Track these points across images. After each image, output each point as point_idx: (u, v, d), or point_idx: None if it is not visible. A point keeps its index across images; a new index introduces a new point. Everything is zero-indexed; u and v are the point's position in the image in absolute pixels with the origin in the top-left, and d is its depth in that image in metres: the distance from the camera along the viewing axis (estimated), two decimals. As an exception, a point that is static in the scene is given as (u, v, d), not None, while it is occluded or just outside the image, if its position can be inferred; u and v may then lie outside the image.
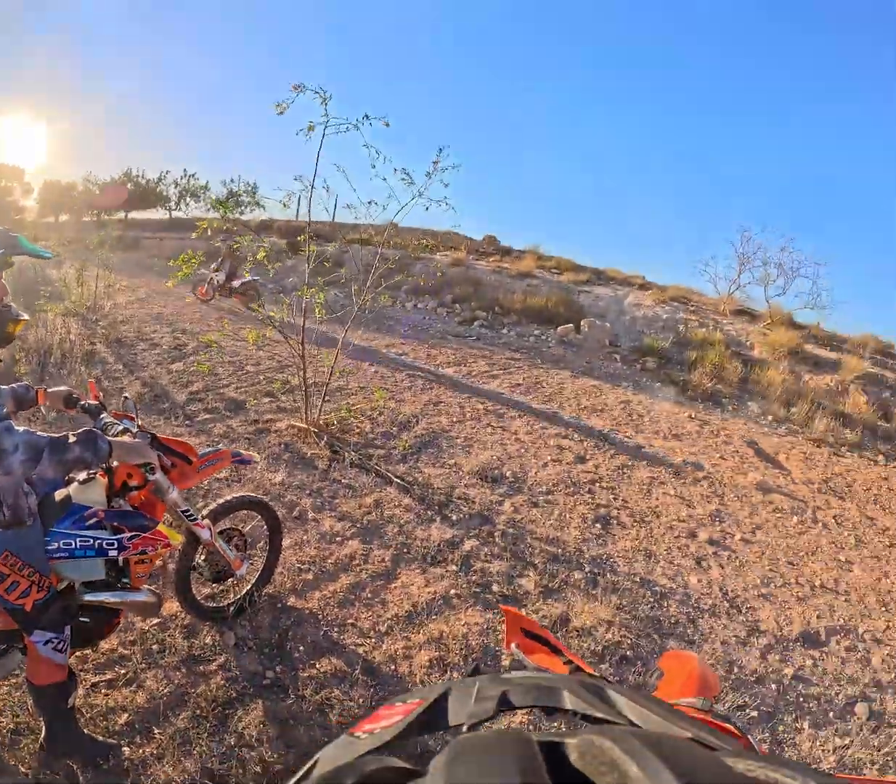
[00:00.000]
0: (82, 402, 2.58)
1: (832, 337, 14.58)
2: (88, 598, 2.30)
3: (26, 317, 2.14)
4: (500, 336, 12.28)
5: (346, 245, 9.41)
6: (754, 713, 3.16)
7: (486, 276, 15.27)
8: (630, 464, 6.31)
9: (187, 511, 2.63)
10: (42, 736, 2.30)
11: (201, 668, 2.84)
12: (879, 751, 3.09)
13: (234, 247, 12.00)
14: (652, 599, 3.98)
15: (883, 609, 4.59)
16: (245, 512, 3.32)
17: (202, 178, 32.71)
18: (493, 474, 5.37)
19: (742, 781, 0.32)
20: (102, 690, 2.68)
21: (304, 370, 5.60)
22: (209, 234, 5.16)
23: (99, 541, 2.25)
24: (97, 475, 2.36)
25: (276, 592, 3.46)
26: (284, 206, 5.51)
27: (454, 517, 4.54)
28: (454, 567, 3.93)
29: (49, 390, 2.57)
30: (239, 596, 3.24)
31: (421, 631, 3.30)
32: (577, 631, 3.46)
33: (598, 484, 5.63)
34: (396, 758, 0.40)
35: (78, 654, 2.73)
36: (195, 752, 2.39)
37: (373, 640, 3.20)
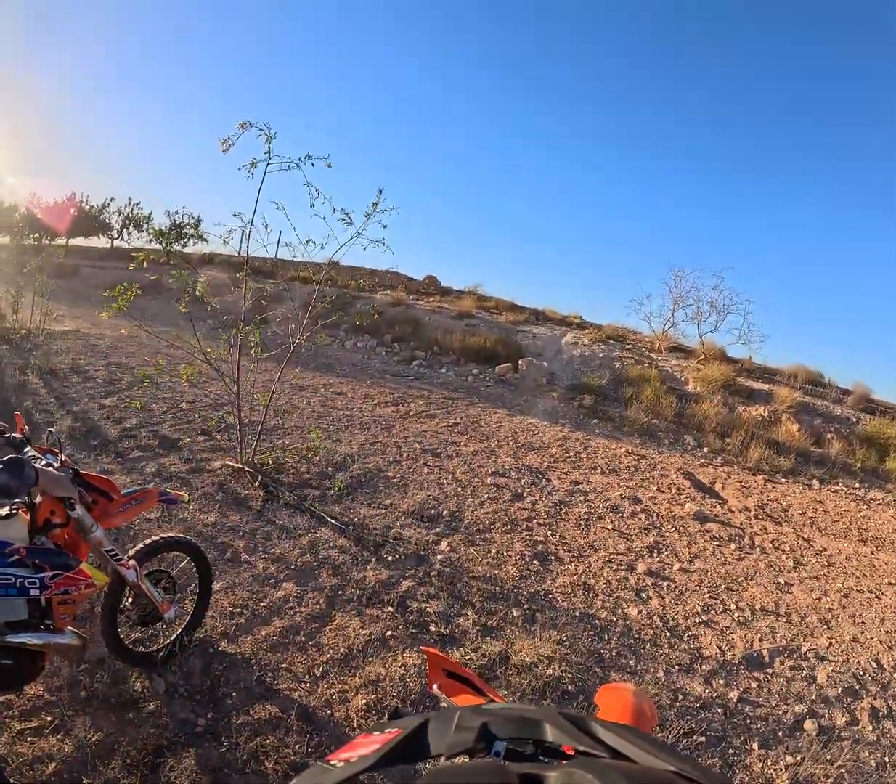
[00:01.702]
0: (7, 435, 2.52)
1: (764, 369, 15.31)
2: (10, 639, 2.20)
3: None
4: (439, 375, 12.41)
5: (285, 283, 9.37)
6: (702, 738, 3.18)
7: (426, 315, 15.45)
8: (568, 500, 6.39)
9: (112, 551, 2.58)
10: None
11: (131, 715, 2.74)
12: (832, 764, 3.16)
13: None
14: (592, 633, 4.00)
15: (825, 627, 4.75)
16: (174, 553, 3.25)
17: (147, 208, 32.45)
18: (429, 514, 5.36)
19: None
20: (28, 738, 2.57)
21: (240, 409, 5.55)
22: (145, 266, 5.11)
23: (20, 579, 2.15)
24: (19, 511, 2.29)
25: (208, 637, 3.37)
26: (224, 241, 5.52)
27: (390, 558, 4.50)
28: (390, 608, 3.88)
29: None
30: (168, 640, 3.14)
31: (357, 674, 3.24)
32: (517, 668, 3.44)
33: (535, 521, 5.67)
34: None
35: (2, 699, 2.63)
36: None
37: (308, 684, 3.13)
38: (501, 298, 18.30)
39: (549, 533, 5.48)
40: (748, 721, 3.44)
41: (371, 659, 3.38)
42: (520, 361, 12.86)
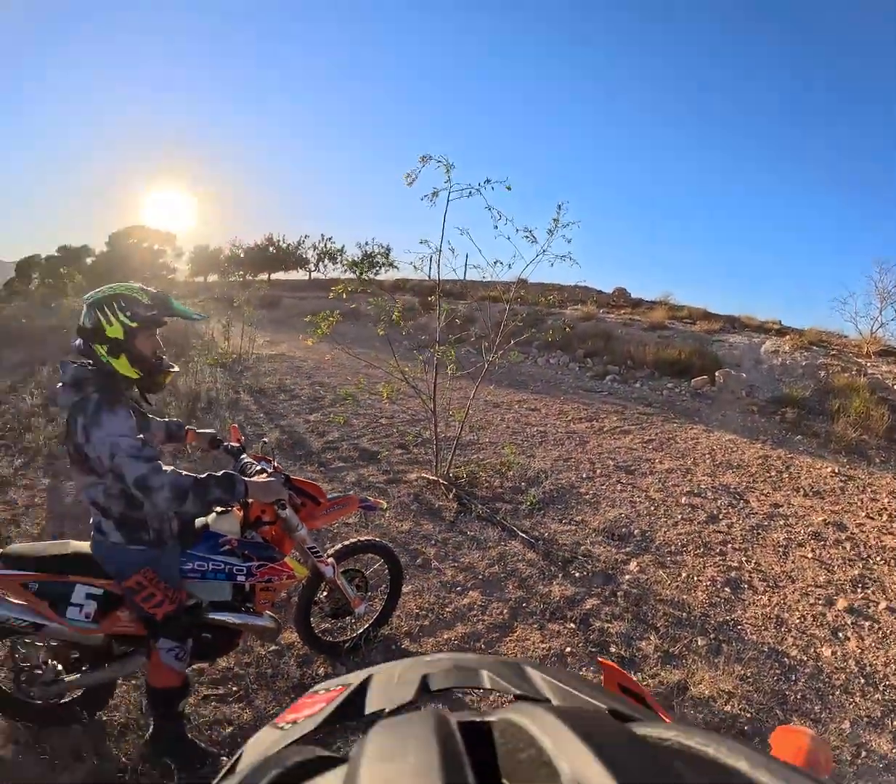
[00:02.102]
0: (225, 444, 2.93)
1: None
2: (213, 616, 2.60)
3: (176, 368, 2.45)
4: (633, 390, 12.12)
5: (476, 303, 9.65)
6: None
7: (617, 328, 15.17)
8: (766, 524, 6.00)
9: (313, 548, 2.85)
10: (148, 733, 2.52)
11: None
12: None
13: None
14: (779, 671, 3.70)
15: None
16: (369, 555, 3.51)
17: (338, 242, 35.10)
18: (620, 532, 5.28)
19: (654, 747, 0.33)
20: (212, 703, 2.90)
21: (436, 424, 5.81)
22: (345, 296, 5.49)
23: (230, 566, 2.55)
24: (234, 508, 2.68)
25: (392, 634, 3.57)
26: (416, 268, 5.82)
27: (577, 574, 4.48)
28: (572, 625, 3.86)
29: (197, 431, 2.92)
30: (355, 634, 3.40)
31: None
32: (694, 700, 3.30)
33: (730, 545, 5.38)
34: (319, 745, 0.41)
35: (196, 666, 2.94)
36: None
37: (480, 691, 3.21)
38: (694, 307, 17.56)
39: (743, 559, 5.16)
40: None
41: None
42: (716, 373, 12.27)
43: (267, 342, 13.61)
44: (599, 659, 1.55)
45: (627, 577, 4.56)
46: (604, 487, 6.29)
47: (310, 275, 33.98)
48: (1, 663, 2.68)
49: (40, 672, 2.52)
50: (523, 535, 4.92)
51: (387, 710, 0.43)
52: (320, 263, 34.26)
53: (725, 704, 3.30)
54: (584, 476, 6.60)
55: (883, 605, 4.69)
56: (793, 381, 12.25)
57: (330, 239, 35.20)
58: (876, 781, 2.98)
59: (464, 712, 0.37)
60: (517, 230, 5.52)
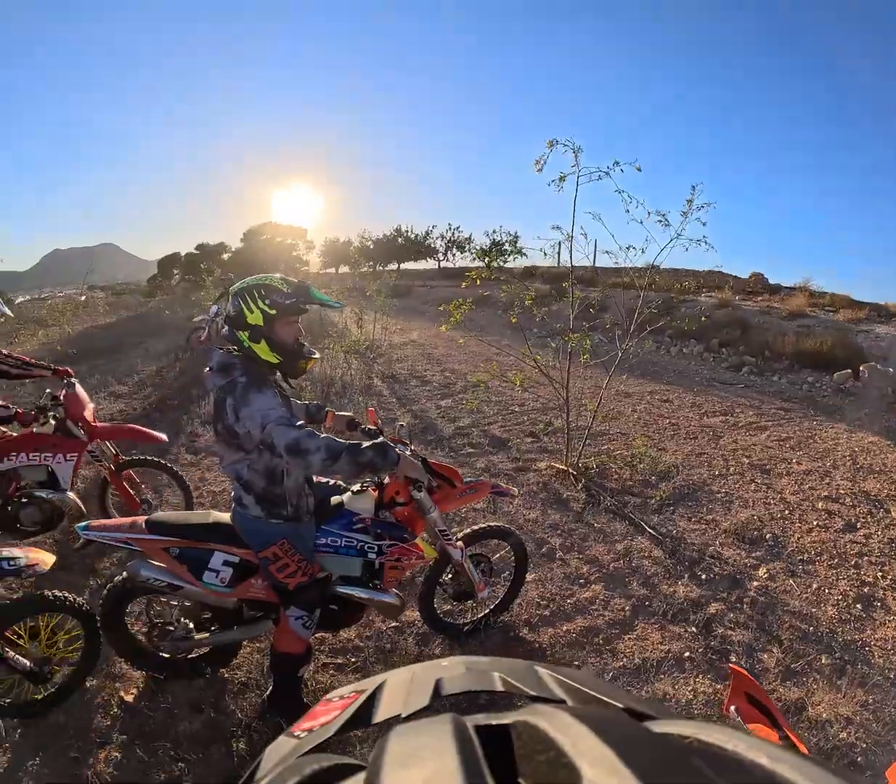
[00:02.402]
0: (363, 427, 3.10)
1: None
2: (342, 590, 2.78)
3: (317, 355, 2.61)
4: (771, 383, 11.61)
5: (608, 290, 9.48)
6: None
7: (754, 317, 14.51)
8: (908, 537, 5.68)
9: (444, 531, 2.98)
10: (266, 693, 2.78)
11: None
12: None
13: (231, 276, 11.60)
14: None
15: None
16: (496, 541, 3.66)
17: (465, 231, 35.41)
18: (751, 535, 5.14)
19: (674, 745, 0.33)
20: (331, 671, 3.10)
21: (568, 413, 5.85)
22: (478, 283, 5.57)
23: (362, 543, 2.72)
24: (369, 489, 2.88)
25: (511, 622, 3.66)
26: (545, 255, 5.81)
27: (703, 576, 4.42)
28: (694, 629, 3.81)
29: (337, 413, 3.12)
30: (476, 617, 3.52)
31: (644, 687, 3.26)
32: (810, 722, 3.17)
33: (866, 557, 5.09)
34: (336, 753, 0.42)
35: (319, 635, 3.19)
36: None
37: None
38: (836, 294, 16.53)
39: (880, 574, 4.86)
40: None
41: (663, 676, 3.36)
42: (861, 367, 11.52)
43: (398, 330, 13.96)
44: (731, 665, 1.54)
45: (755, 583, 4.45)
46: (737, 486, 6.14)
47: (439, 264, 34.61)
48: (137, 618, 3.02)
49: (173, 628, 2.78)
50: (651, 531, 4.91)
51: (403, 715, 0.43)
52: (448, 252, 34.81)
53: (842, 731, 3.15)
54: (716, 473, 6.46)
55: None
56: (947, 378, 11.37)
57: (457, 228, 35.99)
58: None
59: (480, 715, 0.38)
60: (649, 214, 5.40)
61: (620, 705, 0.41)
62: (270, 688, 2.77)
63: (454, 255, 34.25)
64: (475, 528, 3.41)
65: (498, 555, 3.71)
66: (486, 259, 6.03)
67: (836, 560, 4.97)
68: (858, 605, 4.39)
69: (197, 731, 2.71)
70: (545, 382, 6.21)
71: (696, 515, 5.39)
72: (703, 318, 10.26)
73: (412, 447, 2.91)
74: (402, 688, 0.47)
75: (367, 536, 2.73)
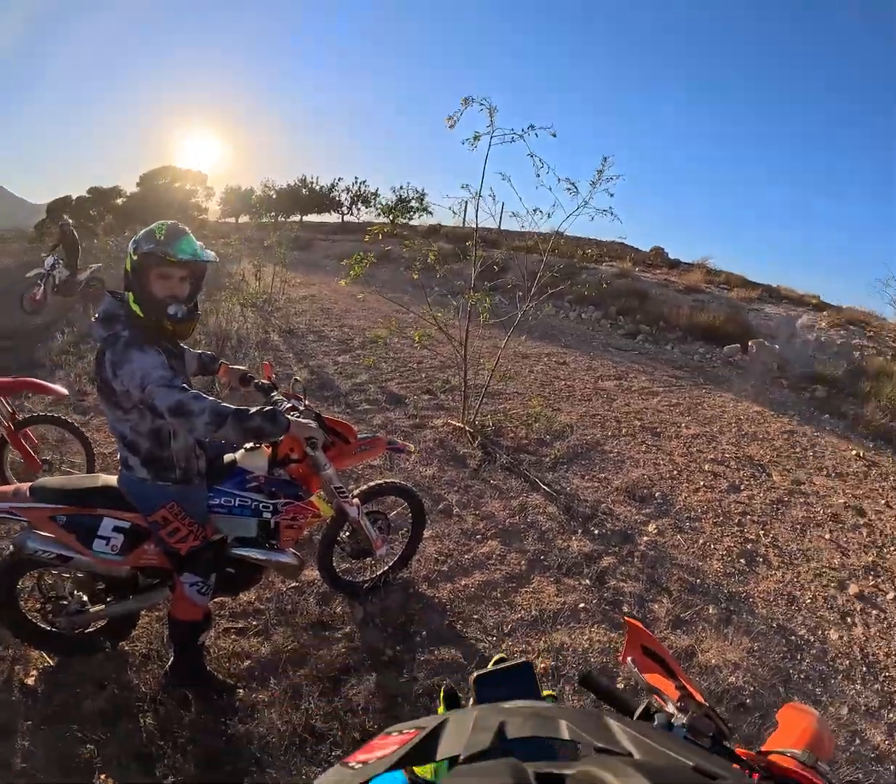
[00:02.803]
0: (256, 381, 2.94)
1: None
2: (238, 552, 2.65)
3: (182, 317, 2.28)
4: (664, 352, 11.94)
5: (511, 252, 9.43)
6: None
7: (652, 288, 14.91)
8: (786, 499, 5.94)
9: (340, 488, 2.86)
10: (168, 664, 2.59)
11: (327, 634, 3.08)
12: None
13: (68, 223, 10.39)
14: (785, 649, 3.72)
15: None
16: (393, 498, 3.57)
17: (372, 185, 34.47)
18: (641, 493, 5.26)
19: None
20: (232, 636, 2.97)
21: (465, 371, 5.78)
22: (380, 238, 5.41)
23: (256, 503, 2.60)
24: (262, 446, 2.71)
25: (411, 578, 3.63)
26: (454, 213, 5.70)
27: (596, 531, 4.50)
28: (588, 581, 3.90)
29: (230, 366, 2.93)
30: (375, 574, 3.46)
31: (543, 638, 3.31)
32: (700, 668, 3.32)
33: (748, 517, 5.35)
34: None
35: (219, 599, 3.03)
36: (303, 707, 2.57)
37: (494, 638, 3.27)
38: (732, 273, 17.19)
39: (761, 532, 5.14)
40: None
41: (559, 627, 3.43)
42: (750, 343, 12.04)
43: (298, 284, 13.51)
44: (626, 617, 1.56)
45: (646, 538, 4.57)
46: (628, 447, 6.26)
47: (342, 218, 33.63)
48: (28, 594, 2.74)
49: (66, 603, 2.59)
50: (545, 488, 4.92)
51: (462, 756, 0.42)
52: (353, 207, 33.85)
53: (730, 675, 3.32)
54: (609, 434, 6.57)
55: (891, 595, 4.65)
56: (826, 358, 12.02)
57: (364, 182, 34.77)
58: (866, 770, 2.98)
59: (541, 763, 0.37)
60: (559, 180, 5.37)
61: (690, 763, 0.41)
62: (171, 658, 2.60)
63: (359, 209, 33.46)
64: (371, 485, 3.33)
65: (395, 512, 3.65)
66: (391, 215, 5.88)
67: (721, 518, 5.17)
68: (742, 560, 4.60)
69: (102, 708, 2.50)
70: (444, 340, 6.11)
71: (589, 474, 5.46)
72: (603, 286, 10.42)
73: (307, 402, 2.80)
74: (463, 728, 0.47)
75: (262, 495, 2.61)
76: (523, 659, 0.83)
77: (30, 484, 2.43)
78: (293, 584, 3.35)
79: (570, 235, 9.32)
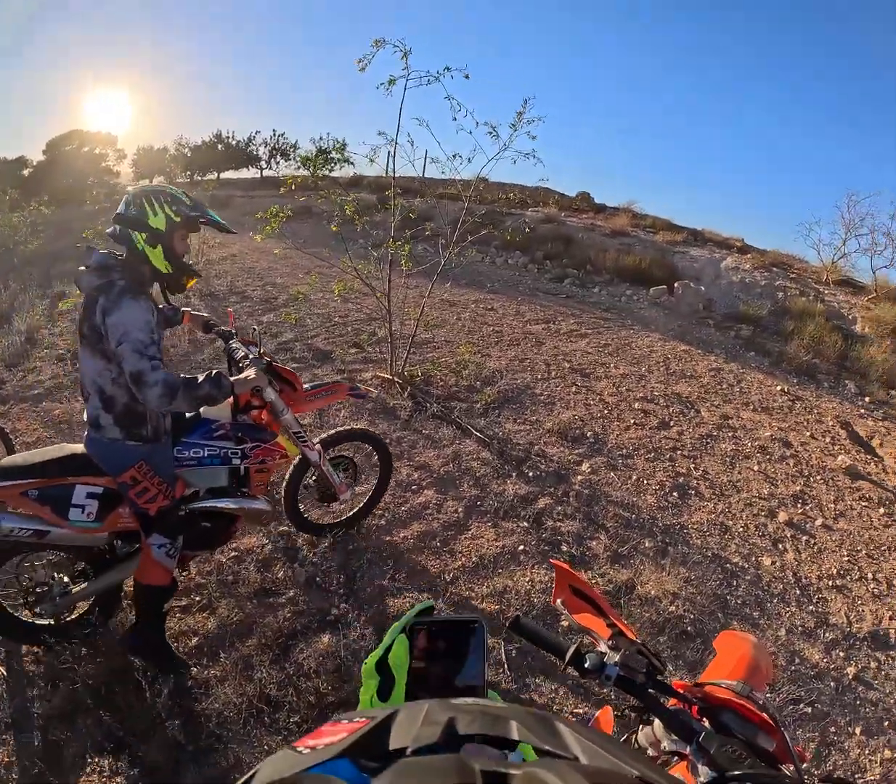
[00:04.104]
0: (217, 328, 3.00)
1: (946, 316, 13.62)
2: (211, 503, 2.67)
3: (200, 275, 2.56)
4: (591, 295, 11.98)
5: (434, 200, 9.27)
6: (808, 709, 3.01)
7: (579, 233, 14.93)
8: (715, 434, 6.10)
9: (299, 433, 2.93)
10: (127, 628, 2.61)
11: (271, 600, 3.03)
12: None
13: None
14: (721, 577, 3.86)
15: None
16: (359, 444, 3.63)
17: (291, 137, 33.22)
18: (573, 434, 5.30)
19: None
20: (177, 615, 2.89)
21: (391, 322, 5.68)
22: (294, 188, 5.23)
23: (225, 450, 2.66)
24: None
25: (351, 534, 3.58)
26: (371, 161, 5.53)
27: (531, 474, 4.52)
28: (525, 524, 3.94)
29: (192, 313, 2.99)
30: (342, 518, 3.59)
31: (485, 583, 3.35)
32: (641, 599, 3.40)
33: (679, 452, 5.47)
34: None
35: (197, 556, 3.01)
36: (256, 677, 2.53)
37: (438, 587, 3.28)
38: (658, 217, 17.36)
39: (692, 466, 5.27)
40: (858, 702, 3.17)
41: (500, 570, 3.47)
42: (675, 284, 12.21)
43: (217, 244, 13.01)
44: (552, 560, 1.56)
45: (580, 478, 4.63)
46: (559, 389, 6.28)
47: (261, 173, 32.48)
48: (7, 586, 2.60)
49: (48, 588, 2.54)
50: (478, 434, 4.90)
51: (409, 749, 0.43)
52: (272, 160, 32.67)
53: (670, 605, 3.41)
54: (539, 377, 6.58)
55: (819, 521, 4.86)
56: (750, 299, 12.32)
57: (282, 135, 33.22)
58: (806, 688, 3.12)
59: (489, 761, 0.37)
60: (479, 124, 5.25)
61: (636, 773, 0.40)
62: (133, 623, 2.59)
63: (278, 163, 32.32)
64: (336, 430, 3.39)
65: (361, 456, 3.76)
66: (311, 167, 5.67)
67: (652, 454, 5.27)
68: (675, 494, 4.72)
69: (61, 706, 2.44)
70: (368, 293, 5.97)
71: (520, 417, 5.46)
72: (527, 231, 10.34)
73: (261, 349, 2.83)
74: (413, 721, 0.47)
75: (229, 443, 2.67)
76: (475, 616, 0.78)
77: None
78: (232, 555, 3.28)
79: (493, 182, 9.19)
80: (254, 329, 3.03)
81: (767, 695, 1.15)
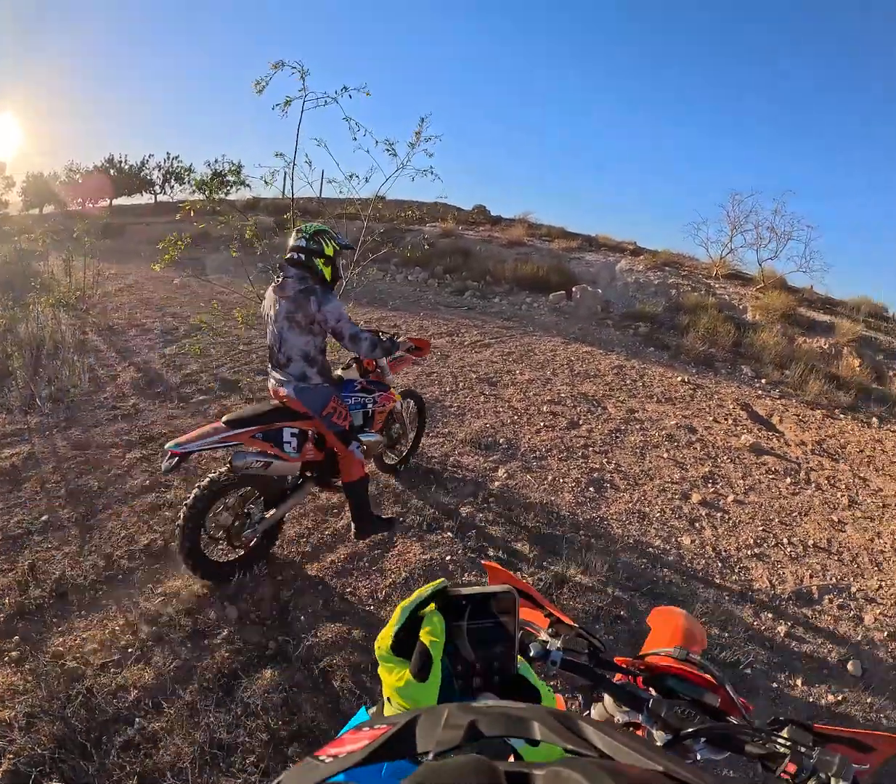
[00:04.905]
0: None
1: (825, 300, 14.58)
2: (363, 436, 3.76)
3: (344, 278, 4.18)
4: (492, 305, 12.26)
5: (333, 220, 9.24)
6: (747, 671, 3.22)
7: (477, 245, 15.19)
8: (623, 428, 6.37)
9: (393, 388, 4.20)
10: (352, 530, 3.59)
11: (206, 642, 2.94)
12: (872, 708, 3.15)
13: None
14: (646, 561, 4.05)
15: (875, 568, 4.65)
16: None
17: (186, 161, 32.26)
18: (486, 442, 5.43)
19: None
20: (111, 670, 2.74)
21: (295, 347, 5.58)
22: (192, 214, 5.12)
23: (363, 398, 3.83)
24: (353, 365, 4.06)
25: (277, 563, 3.56)
26: (267, 183, 5.48)
27: (449, 485, 4.60)
28: (450, 534, 3.99)
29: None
30: (401, 457, 4.70)
31: None
32: (573, 592, 3.53)
33: (591, 448, 5.69)
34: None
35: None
36: (203, 723, 2.47)
37: (372, 607, 3.29)
38: (553, 226, 17.91)
39: (604, 461, 5.49)
40: (793, 657, 3.44)
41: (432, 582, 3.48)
42: (573, 289, 12.60)
43: (113, 275, 12.56)
44: (483, 562, 1.61)
45: (497, 483, 4.74)
46: (468, 400, 6.42)
47: (155, 198, 31.50)
48: (220, 521, 3.29)
49: (249, 515, 3.39)
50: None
51: (432, 754, 0.43)
52: (167, 185, 31.72)
53: (601, 593, 3.56)
54: (447, 390, 6.71)
55: (731, 497, 5.19)
56: (646, 297, 12.87)
57: (176, 157, 32.27)
58: (742, 650, 3.33)
59: (512, 762, 0.37)
60: (377, 143, 5.31)
61: (660, 768, 0.40)
62: (352, 526, 3.58)
63: (172, 187, 31.40)
64: (401, 390, 4.59)
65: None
66: (207, 190, 5.57)
67: (565, 454, 5.47)
68: (591, 489, 4.92)
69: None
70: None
71: (433, 430, 5.55)
72: (426, 246, 10.48)
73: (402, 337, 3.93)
74: (434, 725, 0.47)
75: (365, 393, 3.83)
76: (506, 587, 0.82)
77: (222, 419, 3.20)
78: (159, 600, 3.17)
79: (391, 199, 9.25)
80: (396, 333, 4.13)
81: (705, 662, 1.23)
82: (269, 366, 3.48)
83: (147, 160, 31.80)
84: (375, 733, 0.48)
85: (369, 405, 3.86)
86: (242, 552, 3.43)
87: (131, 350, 7.56)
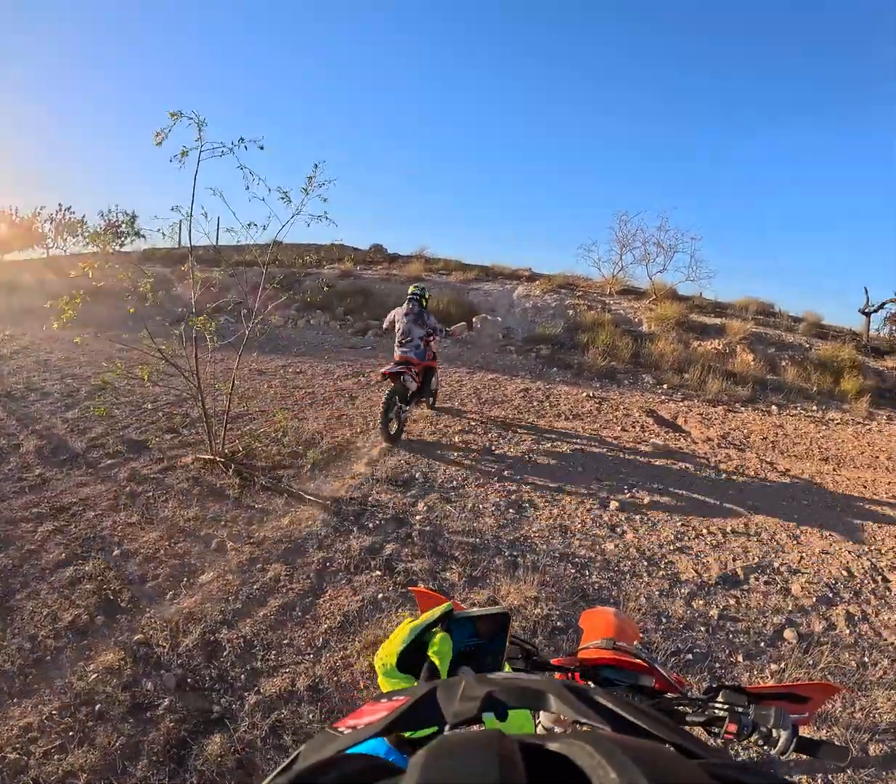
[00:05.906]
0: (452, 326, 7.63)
1: (715, 304, 15.58)
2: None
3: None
4: (395, 342, 12.38)
5: (231, 269, 9.26)
6: (689, 656, 3.41)
7: (376, 284, 15.36)
8: (535, 448, 6.61)
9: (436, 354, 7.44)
10: (429, 403, 7.83)
11: (149, 714, 2.86)
12: (815, 668, 3.41)
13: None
14: (573, 571, 4.22)
15: (794, 542, 5.03)
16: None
17: (78, 212, 31.27)
18: (402, 478, 5.53)
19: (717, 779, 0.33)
20: (55, 757, 2.63)
21: (203, 401, 5.57)
22: (91, 275, 5.05)
23: (432, 353, 7.08)
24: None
25: (208, 627, 3.48)
26: (164, 235, 5.52)
27: (371, 525, 4.65)
28: (378, 572, 4.03)
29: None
30: (430, 404, 7.85)
31: (356, 638, 3.39)
32: (508, 611, 3.62)
33: (507, 472, 5.88)
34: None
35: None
36: None
37: (311, 656, 3.27)
38: (449, 259, 18.26)
39: (521, 482, 5.67)
40: (731, 636, 3.67)
41: (367, 623, 3.52)
42: (474, 319, 12.89)
43: (6, 337, 12.13)
44: (411, 588, 1.67)
45: (419, 517, 4.83)
46: (378, 439, 6.45)
47: (47, 252, 30.44)
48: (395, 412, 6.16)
49: (400, 406, 6.32)
50: (311, 498, 4.97)
51: (448, 725, 0.44)
52: (59, 238, 30.73)
53: (535, 608, 3.68)
54: (358, 430, 6.80)
55: (646, 500, 5.51)
56: (545, 320, 13.31)
57: (69, 209, 31.31)
58: (680, 639, 3.54)
59: (526, 735, 0.37)
60: (270, 190, 5.41)
61: (672, 742, 0.42)
62: (431, 396, 7.64)
63: (65, 240, 30.43)
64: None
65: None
66: (101, 243, 5.49)
67: (480, 480, 5.63)
68: (511, 511, 5.08)
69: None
70: (176, 373, 5.80)
71: (348, 472, 5.61)
72: (325, 289, 10.59)
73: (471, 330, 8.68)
74: (451, 697, 0.47)
75: (432, 352, 7.10)
76: (502, 609, 0.91)
77: (399, 355, 6.59)
78: (97, 673, 3.06)
79: (288, 244, 9.31)
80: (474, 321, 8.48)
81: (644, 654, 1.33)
82: (397, 343, 6.62)
83: (38, 212, 30.63)
84: (393, 705, 0.49)
85: (433, 357, 7.11)
86: (397, 426, 6.27)
87: (32, 417, 7.28)
